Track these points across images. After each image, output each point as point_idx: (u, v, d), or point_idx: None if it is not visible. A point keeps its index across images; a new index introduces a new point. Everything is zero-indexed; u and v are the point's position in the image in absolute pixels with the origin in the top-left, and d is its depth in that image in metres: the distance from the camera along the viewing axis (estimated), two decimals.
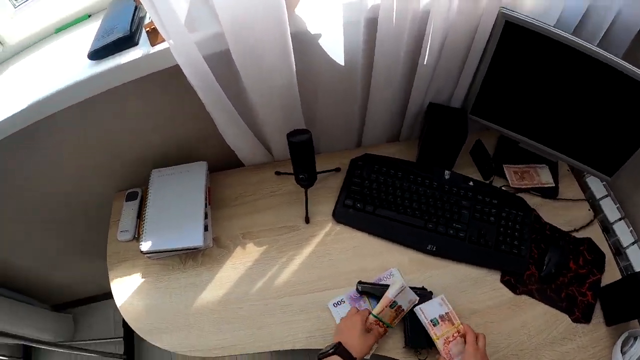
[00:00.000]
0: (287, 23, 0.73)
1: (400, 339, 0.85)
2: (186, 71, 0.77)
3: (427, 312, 0.85)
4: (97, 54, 0.78)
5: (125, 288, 0.95)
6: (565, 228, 0.99)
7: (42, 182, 1.02)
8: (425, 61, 0.85)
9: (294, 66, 0.80)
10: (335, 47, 0.81)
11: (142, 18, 0.85)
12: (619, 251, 0.99)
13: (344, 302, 0.89)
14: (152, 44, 0.78)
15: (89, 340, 1.43)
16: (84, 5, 0.89)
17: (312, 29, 0.79)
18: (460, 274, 0.92)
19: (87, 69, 0.78)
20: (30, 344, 1.20)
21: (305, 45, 0.80)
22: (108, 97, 0.82)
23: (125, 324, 0.94)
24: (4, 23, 0.84)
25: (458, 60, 0.90)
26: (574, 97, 0.86)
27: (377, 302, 0.85)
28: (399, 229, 0.95)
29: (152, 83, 0.82)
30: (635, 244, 0.98)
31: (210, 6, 0.79)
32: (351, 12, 0.76)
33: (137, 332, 0.90)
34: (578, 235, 0.98)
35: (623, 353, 0.83)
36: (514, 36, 0.82)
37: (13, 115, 0.79)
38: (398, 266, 0.93)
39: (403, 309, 0.84)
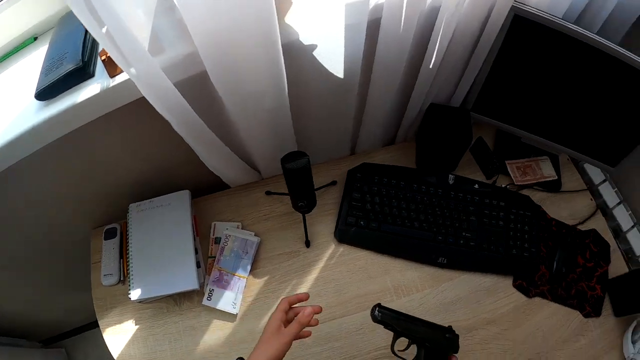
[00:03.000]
0: (279, 35, 0.56)
1: None
2: (155, 104, 0.60)
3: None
4: (45, 94, 0.59)
5: (120, 338, 0.81)
6: (569, 221, 0.91)
7: (9, 226, 0.83)
8: (431, 64, 0.71)
9: (286, 86, 0.64)
10: (332, 58, 0.65)
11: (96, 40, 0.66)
12: (617, 234, 0.94)
13: None
14: (111, 75, 0.60)
15: None
16: (28, 26, 0.67)
17: (305, 39, 0.62)
18: (472, 284, 0.84)
19: (35, 114, 0.59)
20: None
21: (296, 58, 0.64)
22: (67, 139, 0.64)
23: None
24: None
25: (463, 58, 0.77)
26: (579, 89, 0.77)
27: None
28: (407, 244, 0.84)
29: (118, 116, 0.64)
30: (635, 228, 0.92)
31: (177, 20, 0.60)
32: (353, 14, 0.59)
33: None
34: (582, 227, 0.91)
35: (633, 342, 0.79)
36: (522, 30, 0.71)
37: None
38: (409, 282, 0.83)
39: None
